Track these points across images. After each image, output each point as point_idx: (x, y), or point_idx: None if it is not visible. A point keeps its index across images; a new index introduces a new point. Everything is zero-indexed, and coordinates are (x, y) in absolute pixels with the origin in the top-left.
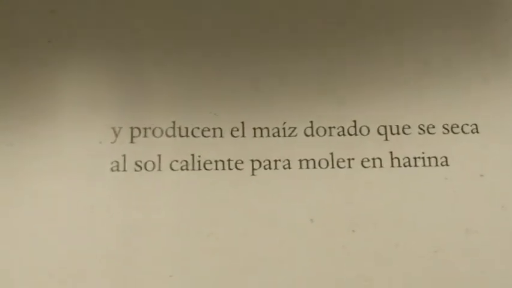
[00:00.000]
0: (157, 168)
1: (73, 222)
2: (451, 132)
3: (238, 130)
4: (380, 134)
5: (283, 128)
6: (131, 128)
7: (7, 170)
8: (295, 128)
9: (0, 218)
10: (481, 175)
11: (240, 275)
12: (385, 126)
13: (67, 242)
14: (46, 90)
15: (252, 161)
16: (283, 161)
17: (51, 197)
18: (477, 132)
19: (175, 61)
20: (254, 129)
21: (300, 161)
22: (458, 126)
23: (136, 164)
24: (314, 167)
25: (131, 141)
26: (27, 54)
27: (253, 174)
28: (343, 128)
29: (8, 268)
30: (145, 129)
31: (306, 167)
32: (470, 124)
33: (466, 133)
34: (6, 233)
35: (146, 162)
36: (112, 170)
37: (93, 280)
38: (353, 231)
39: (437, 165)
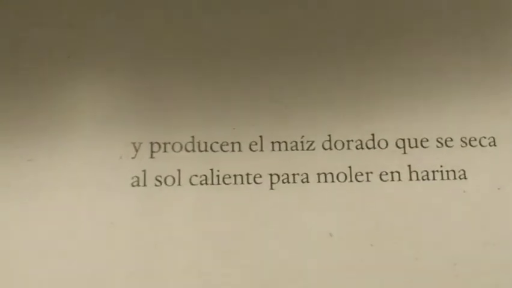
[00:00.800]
0: (176, 183)
1: (94, 238)
2: (468, 145)
3: (256, 144)
4: (399, 147)
5: (302, 142)
6: (151, 143)
7: (27, 185)
8: (313, 142)
9: (20, 232)
10: (499, 188)
11: None
12: (403, 140)
13: (87, 258)
14: (66, 106)
15: (271, 175)
16: (302, 175)
17: (71, 212)
18: (494, 145)
19: (193, 76)
20: (272, 143)
21: (319, 174)
22: (475, 139)
23: (156, 179)
24: (332, 181)
25: (151, 156)
26: (47, 69)
27: (271, 189)
28: (361, 141)
29: (28, 283)
30: (165, 144)
31: (324, 180)
32: (487, 137)
33: (484, 146)
34: (27, 248)
35: (166, 177)
36: (132, 185)
37: None
38: (372, 245)
39: (455, 178)
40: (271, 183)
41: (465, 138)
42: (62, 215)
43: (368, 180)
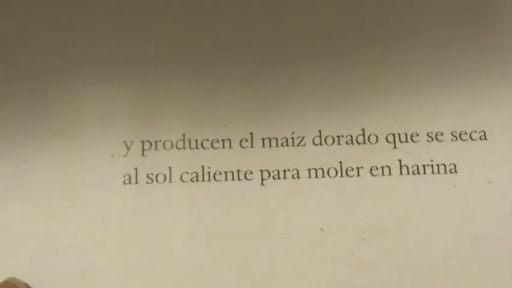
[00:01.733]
0: (168, 180)
1: (87, 235)
2: (459, 140)
3: (247, 141)
4: (389, 142)
5: (292, 138)
6: (142, 142)
7: (21, 186)
8: (303, 138)
9: (14, 232)
10: (489, 181)
11: (251, 284)
12: (393, 134)
13: (80, 256)
14: (59, 106)
15: (261, 171)
16: (292, 171)
17: (65, 210)
18: (485, 139)
19: (183, 75)
20: (263, 139)
21: (309, 170)
22: (466, 134)
23: (148, 176)
24: (323, 176)
25: (143, 155)
26: (40, 70)
27: (262, 184)
28: (351, 136)
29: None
30: (156, 142)
31: (315, 176)
32: (478, 131)
33: (474, 140)
34: (21, 248)
35: (157, 175)
36: (124, 183)
37: None
38: (363, 239)
39: (445, 172)
40: (262, 179)
41: (455, 132)
42: (56, 212)
43: (358, 175)
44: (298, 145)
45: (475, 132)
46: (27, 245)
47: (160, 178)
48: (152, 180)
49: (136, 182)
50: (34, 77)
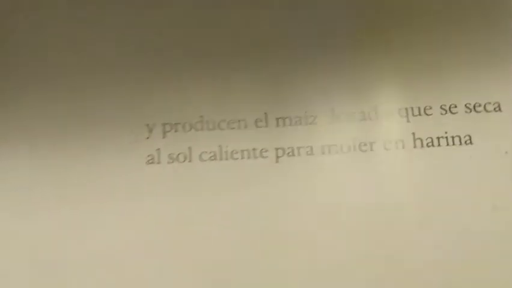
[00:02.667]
0: (188, 159)
1: (114, 214)
2: (473, 111)
3: (262, 121)
4: (401, 116)
5: (305, 116)
6: (163, 124)
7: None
8: (316, 116)
9: (49, 212)
10: (506, 152)
11: (268, 257)
12: (406, 109)
13: (106, 234)
14: (84, 94)
15: (276, 149)
16: (306, 148)
17: (92, 192)
18: (500, 110)
19: (199, 61)
20: (277, 119)
21: (323, 146)
22: (480, 105)
23: (169, 156)
24: (337, 152)
25: (164, 137)
26: (61, 53)
27: (277, 162)
28: (364, 112)
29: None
30: (176, 124)
31: (328, 152)
32: (492, 102)
33: (489, 111)
34: (46, 228)
35: (178, 155)
36: (147, 162)
37: (133, 268)
38: (378, 212)
39: (460, 144)
40: (277, 156)
41: (469, 104)
42: (82, 193)
43: (371, 150)
44: (311, 123)
45: (489, 103)
46: (56, 225)
47: (181, 158)
48: (173, 160)
49: (159, 162)
50: (56, 66)
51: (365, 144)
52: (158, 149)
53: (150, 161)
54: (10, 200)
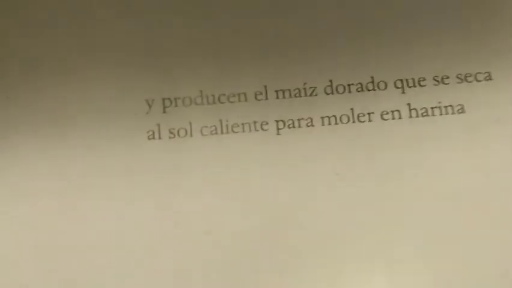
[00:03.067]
0: (189, 134)
1: (115, 191)
2: (465, 81)
3: (261, 94)
4: (397, 88)
5: (304, 89)
6: (163, 99)
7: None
8: (315, 88)
9: (49, 190)
10: (497, 120)
11: (270, 227)
12: (401, 80)
13: (108, 212)
14: (84, 73)
15: (277, 121)
16: (306, 119)
17: (93, 167)
18: (491, 79)
19: (197, 35)
20: (276, 91)
21: (322, 118)
22: (471, 75)
23: (170, 131)
24: (336, 123)
25: (164, 112)
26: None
27: (278, 134)
28: (361, 84)
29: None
30: (176, 99)
31: (328, 123)
32: (483, 72)
33: (480, 81)
34: (53, 206)
35: (178, 130)
36: (148, 138)
37: (134, 243)
38: (377, 180)
39: (453, 113)
40: (278, 129)
41: (461, 75)
42: (82, 169)
43: (370, 121)
44: (310, 95)
45: (480, 73)
46: (58, 202)
47: (182, 133)
48: (174, 135)
49: (160, 138)
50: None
51: (363, 115)
52: (159, 124)
53: (151, 137)
54: (10, 180)
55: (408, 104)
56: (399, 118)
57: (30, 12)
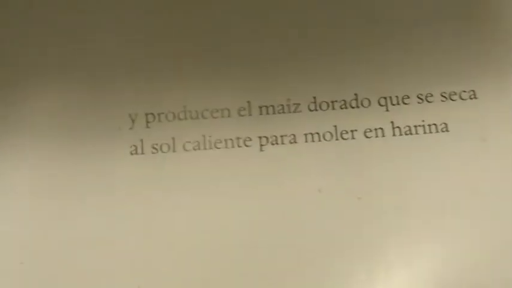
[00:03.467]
0: (172, 149)
1: (98, 205)
2: (449, 100)
3: (245, 109)
4: (381, 105)
5: (288, 105)
6: (146, 114)
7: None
8: (299, 104)
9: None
10: (483, 139)
11: (252, 241)
12: (385, 98)
13: (91, 225)
14: (66, 84)
15: (260, 137)
16: (290, 136)
17: (76, 183)
18: (475, 98)
19: (182, 51)
20: (260, 107)
21: (306, 135)
22: (456, 94)
23: (153, 147)
24: (319, 140)
25: (147, 126)
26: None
27: (261, 150)
28: (345, 101)
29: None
30: (159, 114)
31: (311, 140)
32: (467, 91)
33: (464, 99)
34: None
35: (161, 145)
36: (131, 153)
37: (116, 260)
38: (359, 198)
39: (437, 131)
40: (261, 145)
41: (445, 93)
42: (68, 184)
43: (353, 138)
44: (294, 111)
45: (465, 92)
46: (44, 214)
47: (165, 148)
48: (157, 150)
49: (142, 153)
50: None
51: (347, 132)
52: (142, 140)
53: (133, 152)
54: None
55: (392, 122)
56: (383, 136)
57: (18, 23)
